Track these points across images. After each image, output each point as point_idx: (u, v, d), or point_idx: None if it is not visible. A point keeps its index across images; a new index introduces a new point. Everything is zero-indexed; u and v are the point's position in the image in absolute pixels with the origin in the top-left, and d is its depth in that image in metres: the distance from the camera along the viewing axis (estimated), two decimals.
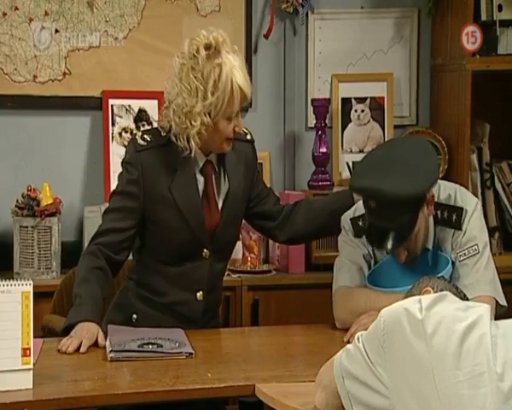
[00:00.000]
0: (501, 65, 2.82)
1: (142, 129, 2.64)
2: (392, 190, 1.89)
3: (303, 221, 2.21)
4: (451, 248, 2.03)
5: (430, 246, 2.03)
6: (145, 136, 2.07)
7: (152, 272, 2.10)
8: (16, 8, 2.82)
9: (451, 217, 2.01)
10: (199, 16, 2.93)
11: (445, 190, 2.06)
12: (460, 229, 2.02)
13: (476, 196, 2.59)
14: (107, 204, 2.11)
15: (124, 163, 2.09)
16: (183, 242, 2.05)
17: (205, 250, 2.08)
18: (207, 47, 1.99)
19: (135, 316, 2.08)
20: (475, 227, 2.02)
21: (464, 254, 2.01)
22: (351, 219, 2.12)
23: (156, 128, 2.11)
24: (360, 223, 2.09)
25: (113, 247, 2.04)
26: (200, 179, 2.07)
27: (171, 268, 2.07)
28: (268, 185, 2.52)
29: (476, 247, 2.01)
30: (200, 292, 2.08)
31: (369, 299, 2.01)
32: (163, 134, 2.05)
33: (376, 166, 1.96)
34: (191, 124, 1.99)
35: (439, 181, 2.07)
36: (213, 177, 2.08)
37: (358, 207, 2.12)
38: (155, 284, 2.09)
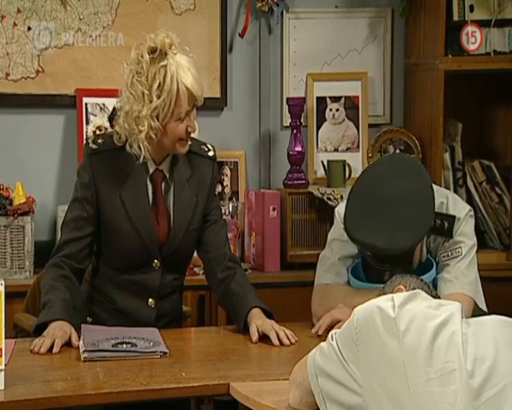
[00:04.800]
0: (473, 65, 2.85)
1: (97, 133, 2.62)
2: (387, 246, 1.89)
3: (215, 289, 2.14)
4: (437, 251, 2.03)
5: (424, 259, 2.03)
6: (98, 140, 2.08)
7: (104, 278, 2.10)
8: None
9: (443, 225, 2.00)
10: (173, 14, 2.92)
11: (437, 198, 2.02)
12: (451, 237, 2.01)
13: None
14: (66, 214, 2.09)
15: (78, 170, 2.10)
16: (133, 249, 2.04)
17: (155, 261, 2.07)
18: (152, 51, 1.98)
19: (89, 319, 2.08)
20: (463, 233, 2.02)
21: (447, 255, 2.02)
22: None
23: (111, 133, 2.09)
24: None
25: (75, 257, 2.04)
26: (150, 188, 2.06)
27: (122, 276, 2.07)
28: (244, 186, 2.51)
29: (460, 249, 2.02)
30: (151, 299, 2.08)
31: (347, 297, 2.02)
32: (117, 139, 2.04)
33: (368, 213, 1.93)
34: (139, 129, 1.98)
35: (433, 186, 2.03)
36: (163, 187, 2.07)
37: None
38: (107, 289, 2.09)
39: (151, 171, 2.06)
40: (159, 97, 1.96)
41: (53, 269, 2.04)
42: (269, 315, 2.05)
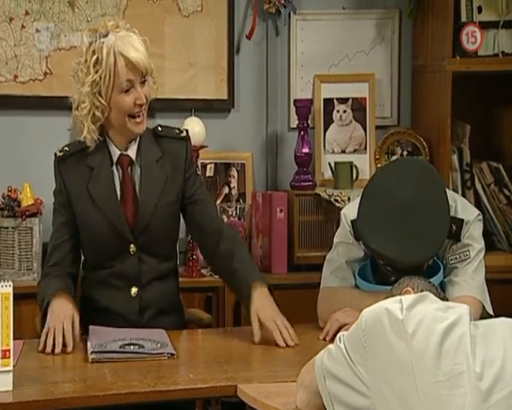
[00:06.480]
0: (481, 66, 2.84)
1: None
2: (398, 259, 1.89)
3: (213, 261, 2.14)
4: (445, 254, 2.02)
5: (431, 262, 2.01)
6: (64, 147, 2.13)
7: (89, 282, 2.12)
8: None
9: (451, 228, 1.98)
10: (181, 16, 2.93)
11: None
12: (459, 240, 2.00)
13: None
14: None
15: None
16: (105, 236, 2.05)
17: (131, 245, 2.07)
18: (92, 34, 2.01)
19: None
20: (471, 236, 2.01)
21: (455, 258, 2.01)
22: (352, 222, 2.05)
23: (77, 139, 2.12)
24: None
25: (63, 262, 2.07)
26: (117, 174, 2.07)
27: (103, 271, 2.07)
28: (251, 187, 2.48)
29: (468, 253, 2.01)
30: (134, 288, 2.07)
31: (353, 300, 2.02)
32: (81, 141, 2.07)
33: (381, 221, 1.91)
34: (82, 108, 2.00)
35: None
36: (129, 170, 2.07)
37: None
38: (92, 292, 2.10)
39: (115, 158, 2.07)
40: (97, 72, 1.98)
41: (45, 277, 2.07)
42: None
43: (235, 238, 2.12)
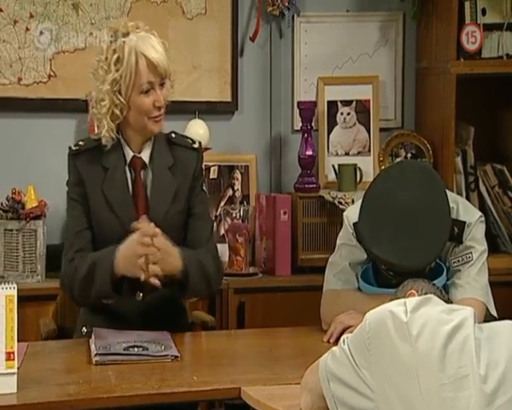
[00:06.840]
0: (485, 68, 2.84)
1: None
2: (400, 263, 1.90)
3: None
4: (447, 257, 2.02)
5: (433, 264, 2.01)
6: (78, 142, 2.14)
7: None
8: (0, 10, 2.81)
9: (453, 230, 1.99)
10: (185, 19, 2.93)
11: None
12: (461, 243, 2.00)
13: None
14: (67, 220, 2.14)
15: (68, 177, 2.15)
16: (118, 241, 2.03)
17: None
18: (113, 33, 2.03)
19: (84, 329, 2.09)
20: (473, 238, 2.01)
21: (458, 260, 2.01)
22: (354, 224, 2.06)
23: (91, 137, 2.15)
24: None
25: (88, 248, 2.07)
26: (129, 176, 2.08)
27: None
28: (254, 189, 2.46)
29: (471, 255, 2.01)
30: (139, 292, 2.07)
31: (357, 302, 2.02)
32: (95, 138, 2.09)
33: (382, 225, 1.92)
34: (101, 105, 2.01)
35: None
36: (142, 174, 2.09)
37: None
38: None
39: (129, 159, 2.08)
40: (118, 70, 2.00)
41: (74, 260, 2.04)
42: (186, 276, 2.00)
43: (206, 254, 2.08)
